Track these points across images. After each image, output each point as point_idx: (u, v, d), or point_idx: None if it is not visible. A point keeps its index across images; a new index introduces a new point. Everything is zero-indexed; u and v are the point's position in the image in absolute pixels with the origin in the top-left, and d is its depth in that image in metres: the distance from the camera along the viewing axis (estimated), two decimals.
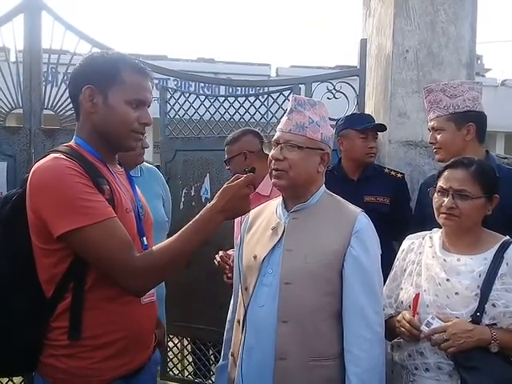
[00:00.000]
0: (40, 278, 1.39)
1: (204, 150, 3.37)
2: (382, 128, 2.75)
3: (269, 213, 1.74)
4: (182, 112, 3.57)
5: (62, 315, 1.38)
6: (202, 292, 3.17)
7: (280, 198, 1.73)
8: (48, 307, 1.38)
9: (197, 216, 1.46)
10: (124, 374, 1.44)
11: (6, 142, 3.02)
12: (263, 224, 1.72)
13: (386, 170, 2.77)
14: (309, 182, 1.64)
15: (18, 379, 3.23)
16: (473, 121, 2.13)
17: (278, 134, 1.65)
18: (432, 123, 2.21)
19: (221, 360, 1.85)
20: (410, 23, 3.07)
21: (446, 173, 1.74)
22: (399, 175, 2.74)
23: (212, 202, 1.47)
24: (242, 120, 3.40)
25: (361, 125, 2.66)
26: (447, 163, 1.78)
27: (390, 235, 2.45)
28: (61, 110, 3.10)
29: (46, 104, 3.10)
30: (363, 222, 1.61)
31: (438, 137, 2.17)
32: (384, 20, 3.25)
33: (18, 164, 2.96)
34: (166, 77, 3.81)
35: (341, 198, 1.73)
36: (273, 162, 1.62)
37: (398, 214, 2.62)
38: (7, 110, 3.09)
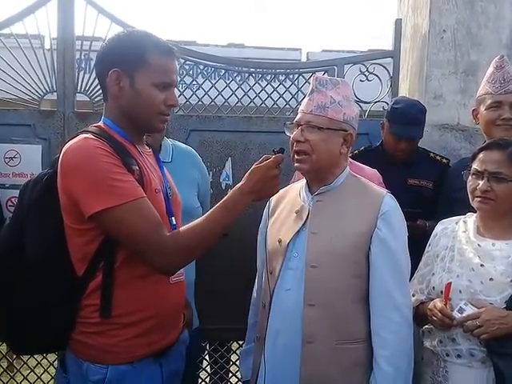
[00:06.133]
0: (72, 257, 1.42)
1: (225, 132, 3.03)
2: (413, 139, 2.53)
3: (292, 196, 1.72)
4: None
5: (94, 293, 1.40)
6: None
7: (303, 181, 1.71)
8: (80, 285, 1.41)
9: (225, 197, 1.46)
10: (153, 352, 1.46)
11: (41, 125, 3.07)
12: (287, 208, 1.70)
13: (432, 155, 2.68)
14: (331, 165, 1.61)
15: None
16: None
17: (299, 115, 1.63)
18: None
19: (245, 344, 1.86)
20: (447, 2, 2.96)
21: (480, 155, 1.69)
22: (444, 160, 2.65)
23: (240, 183, 1.47)
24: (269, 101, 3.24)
25: (396, 125, 2.51)
26: (482, 145, 1.72)
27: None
28: (93, 95, 3.14)
29: (79, 88, 3.15)
30: (390, 203, 1.58)
31: None
32: None
33: (53, 147, 2.97)
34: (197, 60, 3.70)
35: (366, 180, 1.70)
36: (294, 143, 1.60)
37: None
38: (42, 94, 3.15)
